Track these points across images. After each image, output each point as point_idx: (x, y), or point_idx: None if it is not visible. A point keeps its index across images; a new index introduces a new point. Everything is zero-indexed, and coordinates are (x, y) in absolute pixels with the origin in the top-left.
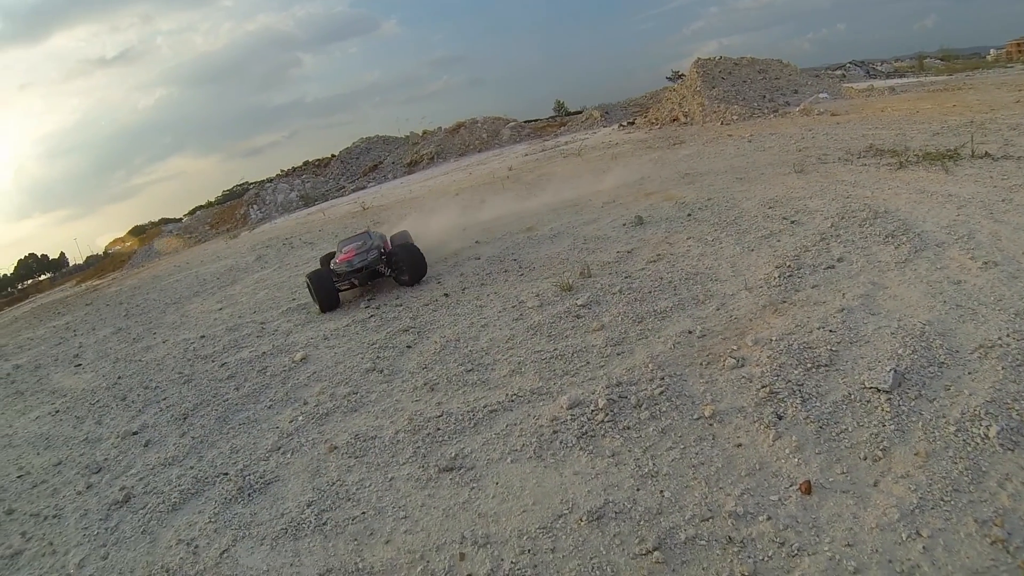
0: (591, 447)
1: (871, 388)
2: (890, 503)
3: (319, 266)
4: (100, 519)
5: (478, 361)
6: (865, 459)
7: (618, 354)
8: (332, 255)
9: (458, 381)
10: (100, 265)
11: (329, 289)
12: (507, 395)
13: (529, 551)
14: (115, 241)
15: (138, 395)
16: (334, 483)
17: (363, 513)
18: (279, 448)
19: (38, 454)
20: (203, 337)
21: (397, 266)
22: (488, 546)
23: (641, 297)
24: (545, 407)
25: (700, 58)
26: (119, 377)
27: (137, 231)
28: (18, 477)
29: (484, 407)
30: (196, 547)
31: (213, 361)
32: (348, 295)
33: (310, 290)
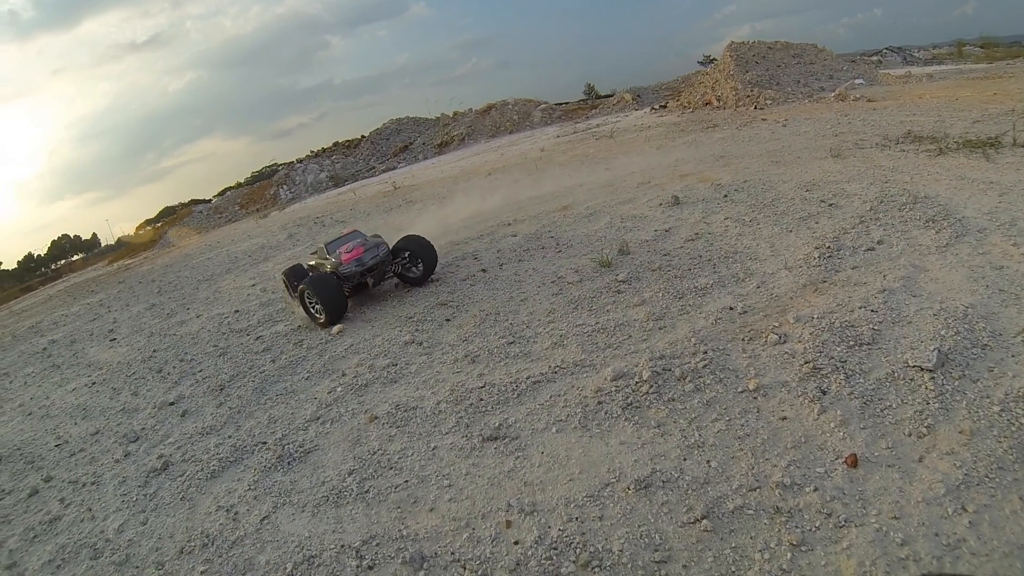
0: (636, 418)
1: (914, 367)
2: (936, 478)
3: (285, 280)
4: (139, 486)
5: (519, 334)
6: (910, 435)
7: (660, 328)
8: (299, 268)
9: (499, 353)
10: (130, 246)
11: (337, 296)
12: (550, 367)
13: (577, 519)
14: (141, 224)
15: (174, 367)
16: (375, 452)
17: (406, 481)
18: (318, 418)
19: (75, 424)
20: (237, 312)
21: (405, 262)
22: (535, 514)
23: (681, 274)
24: (589, 379)
25: (734, 41)
26: (154, 351)
27: (167, 212)
28: (56, 446)
29: (527, 378)
30: (236, 514)
31: (248, 335)
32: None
33: (306, 303)
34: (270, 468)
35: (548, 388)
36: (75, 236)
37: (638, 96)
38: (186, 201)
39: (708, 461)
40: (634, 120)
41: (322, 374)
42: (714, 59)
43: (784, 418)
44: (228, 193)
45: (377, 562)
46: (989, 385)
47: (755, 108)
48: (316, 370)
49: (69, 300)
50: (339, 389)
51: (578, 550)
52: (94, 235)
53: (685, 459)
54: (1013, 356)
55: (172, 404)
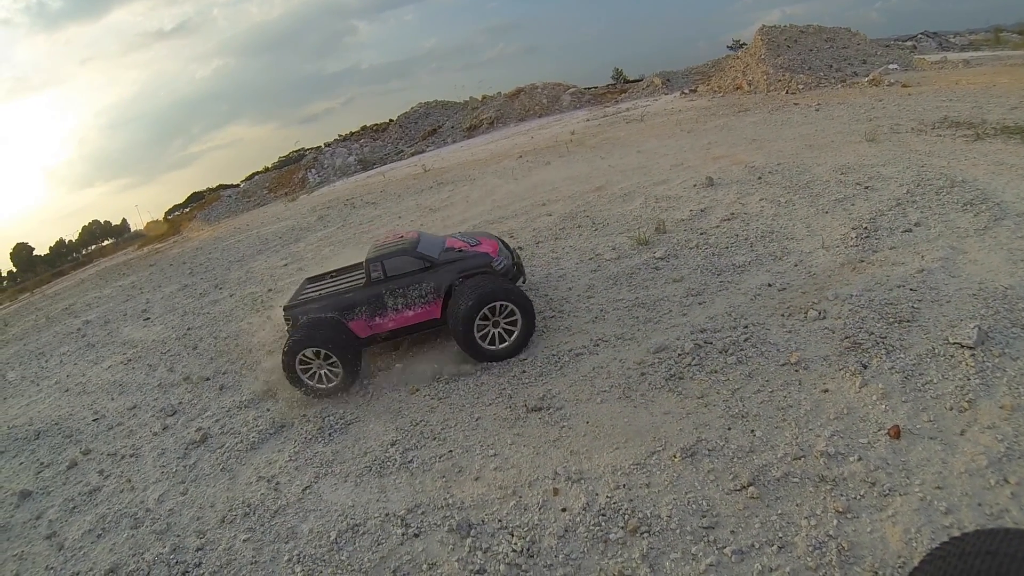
0: (680, 388)
1: (955, 344)
2: (978, 451)
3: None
4: (178, 457)
5: (558, 308)
6: (951, 409)
7: (699, 304)
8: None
9: (539, 327)
10: (148, 237)
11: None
12: (591, 339)
13: (624, 486)
14: (169, 210)
15: (209, 344)
16: (417, 423)
17: (450, 451)
18: (357, 391)
19: (112, 399)
20: (271, 291)
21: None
22: (582, 482)
23: (718, 252)
24: (630, 351)
25: (765, 25)
26: (188, 328)
27: (195, 197)
28: (94, 420)
29: (568, 350)
30: (277, 484)
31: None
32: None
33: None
34: (310, 439)
35: (590, 360)
36: (105, 222)
37: (667, 80)
38: (214, 186)
39: (752, 431)
40: (664, 104)
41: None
42: (744, 44)
43: (826, 390)
44: (256, 178)
45: (423, 530)
46: None
47: (787, 92)
48: None
49: (101, 283)
50: (378, 362)
51: (627, 516)
52: (123, 220)
53: (729, 428)
54: None
55: (209, 379)
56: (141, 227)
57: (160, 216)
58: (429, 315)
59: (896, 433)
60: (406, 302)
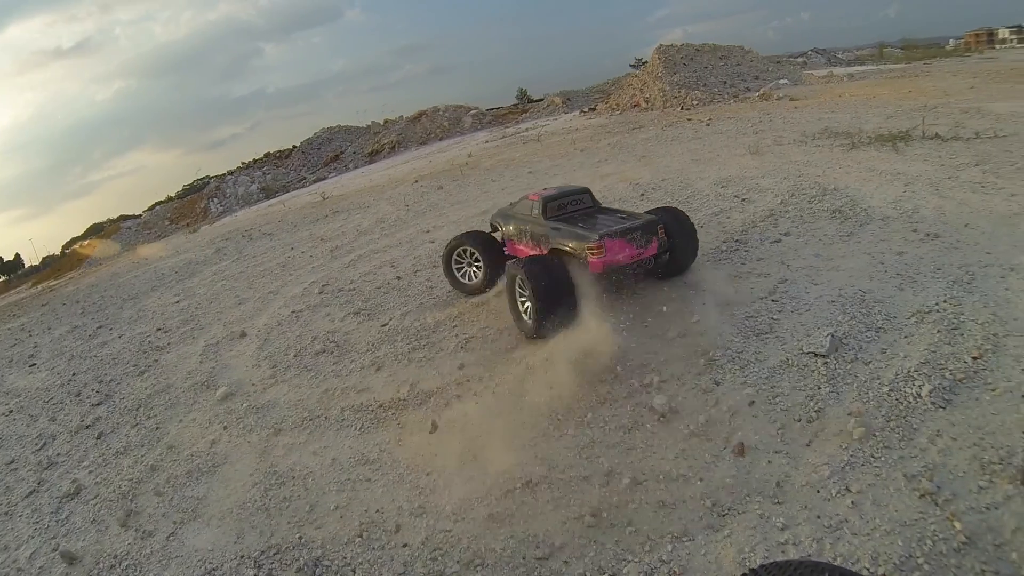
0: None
1: (808, 353)
2: (821, 461)
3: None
4: (51, 512)
5: (425, 340)
6: (799, 420)
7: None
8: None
9: (404, 359)
10: (56, 265)
11: None
12: (455, 366)
13: (464, 519)
14: (66, 243)
15: (93, 390)
16: (280, 463)
17: (306, 490)
18: (227, 428)
19: None
20: (159, 329)
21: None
22: (424, 516)
23: None
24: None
25: (663, 44)
26: (74, 374)
27: (95, 229)
28: None
29: (432, 380)
30: (144, 532)
31: (168, 352)
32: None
33: None
34: (180, 485)
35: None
36: None
37: (568, 99)
38: (115, 217)
39: (598, 458)
40: (563, 123)
41: (236, 385)
42: (645, 61)
43: (677, 411)
44: (158, 208)
45: (274, 570)
46: (880, 366)
47: (682, 109)
48: (233, 380)
49: None
50: (245, 405)
51: (462, 550)
52: (17, 256)
53: (575, 458)
54: (906, 337)
55: (88, 427)
56: (37, 262)
57: (57, 250)
58: None
59: (741, 450)
60: None
